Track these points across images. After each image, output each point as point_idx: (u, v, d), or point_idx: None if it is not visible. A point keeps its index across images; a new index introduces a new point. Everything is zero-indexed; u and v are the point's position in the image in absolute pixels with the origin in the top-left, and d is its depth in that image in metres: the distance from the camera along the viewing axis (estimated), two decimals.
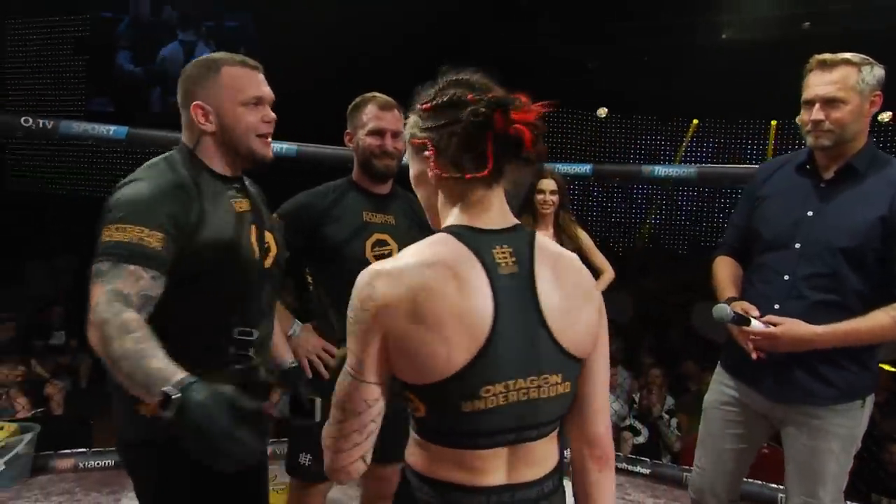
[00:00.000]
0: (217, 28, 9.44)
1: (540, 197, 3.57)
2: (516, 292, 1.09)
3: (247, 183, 1.78)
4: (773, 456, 2.97)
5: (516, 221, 1.17)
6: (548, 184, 3.57)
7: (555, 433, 1.18)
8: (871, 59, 1.94)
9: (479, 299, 1.05)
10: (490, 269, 1.08)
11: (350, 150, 2.27)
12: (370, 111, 2.15)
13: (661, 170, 4.22)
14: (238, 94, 1.62)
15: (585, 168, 4.24)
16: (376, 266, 1.09)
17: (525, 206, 3.68)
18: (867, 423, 2.06)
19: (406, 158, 1.31)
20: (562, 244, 3.55)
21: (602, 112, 9.93)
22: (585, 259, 3.58)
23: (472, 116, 1.06)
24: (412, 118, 1.19)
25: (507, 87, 1.14)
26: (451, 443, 1.10)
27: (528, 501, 1.13)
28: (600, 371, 1.21)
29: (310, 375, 2.13)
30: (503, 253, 1.10)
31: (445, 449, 1.11)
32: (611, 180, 4.88)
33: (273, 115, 1.70)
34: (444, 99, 1.11)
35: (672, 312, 7.85)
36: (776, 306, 1.98)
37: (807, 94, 1.97)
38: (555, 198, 3.55)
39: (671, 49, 8.47)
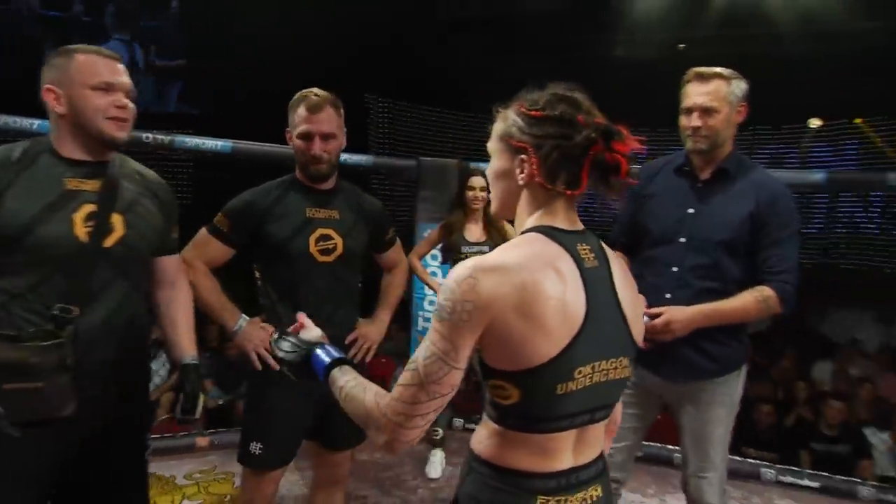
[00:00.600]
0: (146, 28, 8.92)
1: (471, 194, 3.55)
2: (600, 283, 1.12)
3: (129, 170, 1.74)
4: (667, 420, 3.02)
5: (582, 226, 1.18)
6: (478, 181, 3.55)
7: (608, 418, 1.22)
8: (738, 74, 2.06)
9: (575, 290, 1.07)
10: (579, 263, 1.10)
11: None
12: (300, 113, 2.00)
13: None
14: (88, 78, 1.58)
15: None
16: (479, 261, 1.07)
17: (456, 202, 3.68)
18: (742, 388, 2.20)
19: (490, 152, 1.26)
20: (490, 237, 3.59)
21: None
22: None
23: (581, 139, 1.08)
24: (510, 115, 1.18)
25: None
26: (536, 428, 1.10)
27: (588, 481, 1.15)
28: None
29: (258, 368, 2.01)
30: (585, 249, 1.13)
31: (525, 435, 1.11)
32: None
33: (126, 101, 1.64)
34: (555, 113, 1.11)
35: None
36: (667, 295, 2.03)
37: (686, 102, 2.04)
38: (484, 194, 3.54)
39: (573, 62, 8.68)
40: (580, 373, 1.07)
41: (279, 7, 7.55)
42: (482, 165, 4.12)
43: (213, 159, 4.18)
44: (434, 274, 4.17)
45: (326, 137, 1.98)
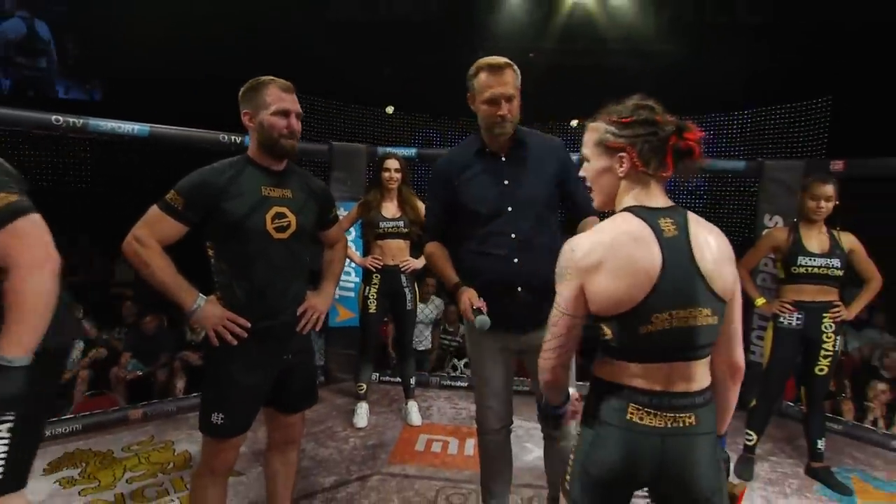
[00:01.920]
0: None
1: (386, 174, 3.30)
2: (676, 249, 1.18)
3: None
4: None
5: (673, 203, 1.24)
6: (392, 163, 3.31)
7: (707, 360, 1.25)
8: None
9: (652, 253, 1.16)
10: (658, 233, 1.18)
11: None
12: (273, 93, 1.76)
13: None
14: None
15: (412, 151, 3.96)
16: (576, 236, 1.23)
17: (373, 182, 3.41)
18: None
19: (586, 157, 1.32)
20: (404, 213, 3.30)
21: (389, 109, 9.75)
22: (421, 223, 3.34)
23: (663, 133, 1.20)
24: (600, 126, 1.27)
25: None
26: (629, 357, 1.21)
27: (682, 408, 1.19)
28: (736, 312, 1.28)
29: (216, 345, 1.71)
30: (666, 222, 1.20)
31: (624, 363, 1.22)
32: (432, 161, 4.78)
33: None
34: (641, 118, 1.22)
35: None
36: (515, 260, 1.92)
37: (490, 93, 1.86)
38: (398, 175, 3.31)
39: (443, 64, 8.55)
40: (657, 318, 1.16)
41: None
42: (395, 150, 3.88)
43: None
44: (350, 246, 3.85)
45: (298, 116, 1.81)
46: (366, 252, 3.48)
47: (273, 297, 1.77)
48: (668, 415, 1.18)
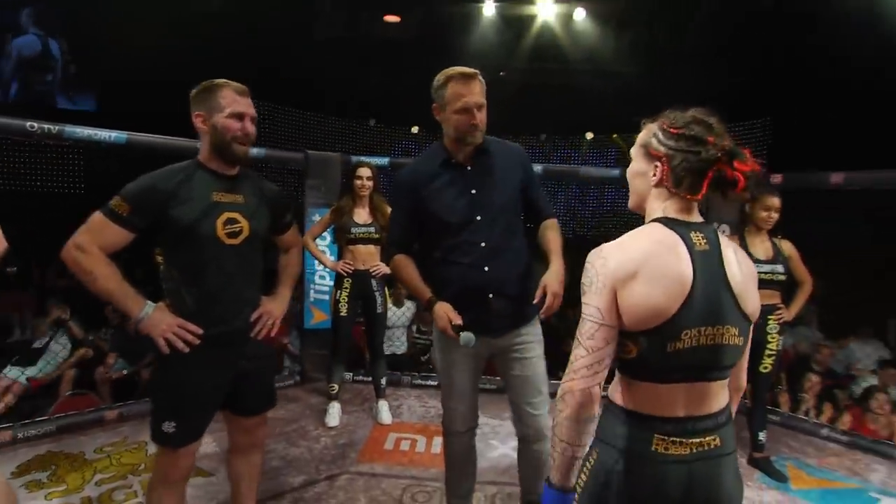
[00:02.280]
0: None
1: (358, 182, 3.24)
2: (708, 264, 1.08)
3: None
4: None
5: (703, 219, 1.14)
6: (364, 171, 3.25)
7: (727, 381, 1.15)
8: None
9: (683, 266, 1.06)
10: (689, 246, 1.08)
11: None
12: (228, 95, 1.65)
13: None
14: None
15: (384, 160, 3.92)
16: (608, 244, 1.11)
17: (345, 189, 3.35)
18: None
19: (632, 155, 1.21)
20: (375, 219, 3.23)
21: (372, 122, 9.72)
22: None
23: (707, 156, 1.07)
24: (653, 128, 1.15)
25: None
26: (653, 377, 1.08)
27: (706, 431, 1.09)
28: (750, 335, 1.16)
29: (166, 352, 1.59)
30: (698, 236, 1.10)
31: (644, 384, 1.09)
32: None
33: None
34: (691, 132, 1.09)
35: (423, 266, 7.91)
36: (486, 268, 1.83)
37: (463, 102, 1.76)
38: (370, 182, 3.24)
39: (420, 81, 8.55)
40: (686, 334, 1.05)
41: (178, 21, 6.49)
42: (368, 159, 3.84)
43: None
44: (325, 251, 3.78)
45: (253, 119, 1.70)
46: (340, 257, 3.41)
47: (225, 303, 1.67)
48: (694, 440, 1.07)
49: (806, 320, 5.18)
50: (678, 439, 1.06)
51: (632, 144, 1.24)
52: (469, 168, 1.87)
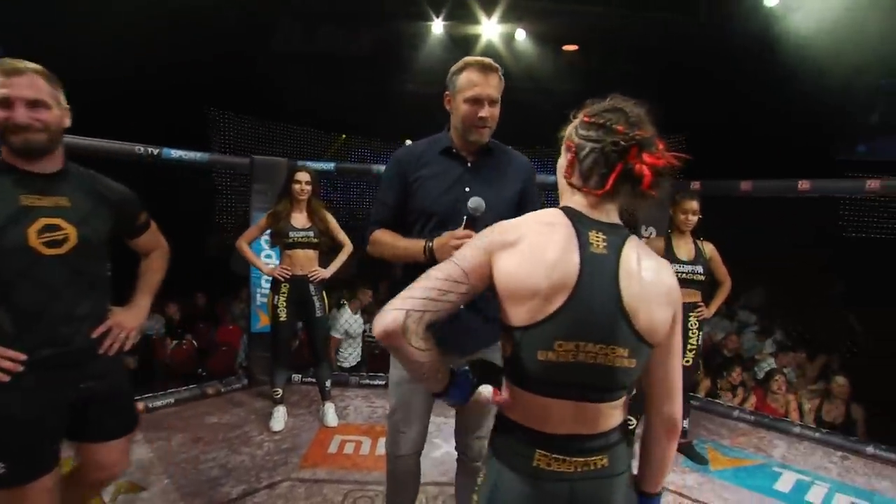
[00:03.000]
0: None
1: (297, 187, 2.89)
2: (600, 270, 0.87)
3: None
4: None
5: (619, 222, 0.93)
6: (303, 175, 2.90)
7: (621, 402, 0.93)
8: None
9: (568, 265, 0.86)
10: (583, 245, 0.88)
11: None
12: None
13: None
14: None
15: (330, 165, 3.61)
16: (504, 221, 0.93)
17: (283, 193, 2.97)
18: None
19: None
20: (314, 224, 2.83)
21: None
22: (332, 236, 2.98)
23: (612, 145, 0.87)
24: (576, 120, 0.95)
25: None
26: (524, 386, 0.91)
27: (593, 451, 0.91)
28: (672, 359, 0.95)
29: None
30: (598, 237, 0.89)
31: (527, 394, 0.91)
32: (349, 174, 4.44)
33: None
34: (602, 120, 0.89)
35: (387, 268, 7.67)
36: None
37: (475, 92, 1.45)
38: (309, 187, 2.91)
39: (376, 93, 8.30)
40: (560, 346, 0.86)
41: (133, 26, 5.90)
42: (313, 164, 3.55)
43: None
44: (269, 257, 3.44)
45: (35, 104, 1.27)
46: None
47: (52, 321, 1.30)
48: (579, 459, 0.90)
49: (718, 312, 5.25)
50: (561, 457, 0.90)
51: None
52: (469, 164, 1.56)
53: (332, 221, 3.00)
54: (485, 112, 1.46)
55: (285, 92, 7.76)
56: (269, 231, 2.98)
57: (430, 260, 1.39)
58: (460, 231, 1.36)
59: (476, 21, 7.17)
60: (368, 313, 4.68)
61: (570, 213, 0.92)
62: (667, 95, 6.79)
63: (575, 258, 0.86)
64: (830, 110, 5.95)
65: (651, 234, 3.59)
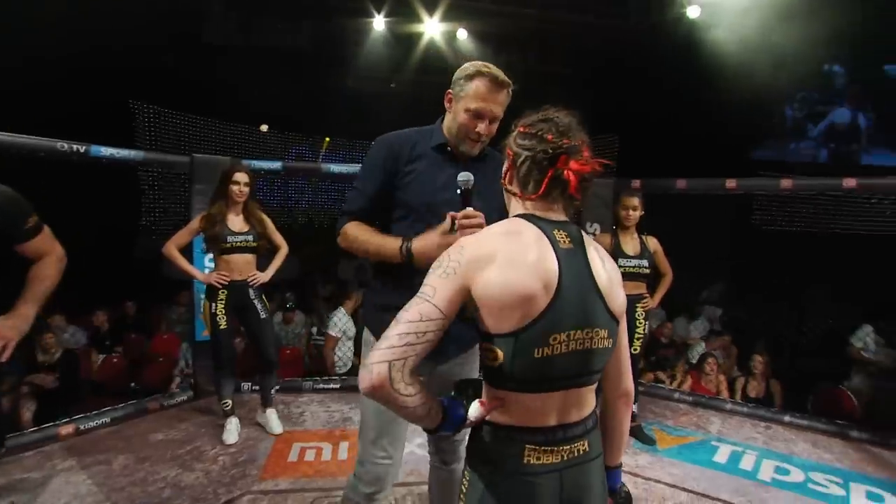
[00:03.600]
0: None
1: (235, 188, 2.74)
2: (574, 262, 0.95)
3: None
4: None
5: (568, 219, 1.00)
6: (242, 176, 2.76)
7: (595, 385, 1.01)
8: None
9: (548, 262, 0.92)
10: (553, 242, 0.94)
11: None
12: None
13: (335, 167, 3.67)
14: None
15: (277, 164, 3.49)
16: (465, 238, 0.97)
17: (218, 194, 2.80)
18: None
19: None
20: (251, 226, 2.74)
21: (263, 128, 8.93)
22: (269, 238, 2.86)
23: (543, 153, 0.95)
24: (515, 131, 1.02)
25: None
26: (522, 387, 0.93)
27: (575, 438, 0.96)
28: (624, 337, 1.05)
29: None
30: (561, 234, 0.96)
31: (515, 394, 0.93)
32: (296, 174, 4.27)
33: None
34: (534, 130, 0.98)
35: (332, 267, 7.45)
36: None
37: (480, 106, 1.39)
38: (248, 189, 2.77)
39: (314, 89, 8.07)
40: (555, 339, 0.90)
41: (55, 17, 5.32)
42: (258, 164, 3.42)
43: None
44: (211, 261, 3.26)
45: None
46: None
47: None
48: (565, 447, 0.95)
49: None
50: (549, 448, 0.94)
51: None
52: (463, 164, 1.47)
53: (269, 223, 2.89)
54: (483, 129, 1.41)
55: (218, 86, 7.36)
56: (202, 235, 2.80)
57: (407, 261, 1.33)
58: (464, 213, 1.28)
59: (418, 19, 7.17)
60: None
61: (528, 217, 0.97)
62: (600, 95, 7.20)
63: (551, 255, 0.92)
64: (744, 114, 6.57)
65: (596, 230, 3.78)
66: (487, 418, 0.97)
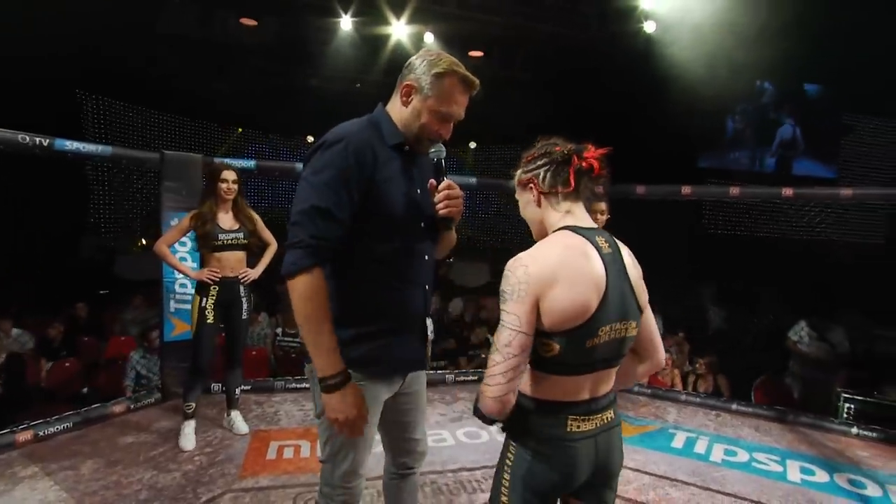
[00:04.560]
0: None
1: (224, 185, 2.76)
2: (614, 265, 1.10)
3: None
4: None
5: (595, 225, 1.15)
6: (230, 174, 2.78)
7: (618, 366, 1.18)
8: None
9: (598, 268, 1.07)
10: (598, 248, 1.09)
11: None
12: None
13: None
14: None
15: (251, 163, 3.47)
16: (527, 252, 1.08)
17: (208, 193, 2.82)
18: None
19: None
20: (241, 223, 2.80)
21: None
22: (258, 235, 2.89)
23: (559, 156, 1.14)
24: (518, 170, 1.20)
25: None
26: (571, 371, 1.09)
27: (604, 408, 1.14)
28: (651, 318, 1.20)
29: None
30: (601, 240, 1.12)
31: (561, 377, 1.09)
32: (272, 173, 4.20)
33: None
34: (541, 151, 1.16)
35: None
36: (427, 287, 1.36)
37: (450, 109, 1.27)
38: (236, 186, 2.79)
39: (277, 86, 7.98)
40: (602, 331, 1.06)
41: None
42: (232, 161, 3.39)
43: None
44: (184, 259, 3.22)
45: None
46: (202, 263, 2.86)
47: None
48: (597, 417, 1.13)
49: None
50: (586, 417, 1.11)
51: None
52: (415, 164, 1.35)
53: (259, 220, 2.92)
54: (447, 132, 1.30)
55: (173, 79, 7.12)
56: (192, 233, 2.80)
57: (338, 385, 1.18)
58: (447, 183, 1.30)
59: (386, 21, 7.22)
60: None
61: (572, 229, 1.11)
62: (560, 100, 7.51)
63: (599, 263, 1.07)
64: (690, 124, 7.04)
65: None
66: (534, 395, 1.12)
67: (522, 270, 1.04)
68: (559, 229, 1.13)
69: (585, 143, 1.15)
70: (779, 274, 6.42)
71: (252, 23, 7.16)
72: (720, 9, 5.57)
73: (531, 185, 1.16)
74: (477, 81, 1.30)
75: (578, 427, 1.10)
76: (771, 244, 7.25)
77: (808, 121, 8.05)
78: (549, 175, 1.14)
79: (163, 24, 6.81)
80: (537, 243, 1.12)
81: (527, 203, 1.20)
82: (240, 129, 8.99)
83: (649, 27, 6.22)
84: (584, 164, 1.12)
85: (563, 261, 1.04)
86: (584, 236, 1.10)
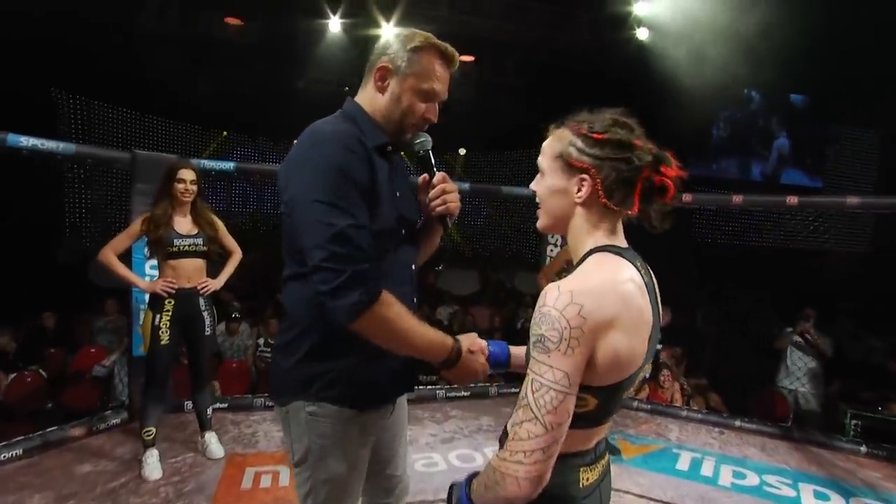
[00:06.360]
0: None
1: (181, 186, 2.45)
2: (652, 296, 0.85)
3: None
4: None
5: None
6: (188, 174, 2.47)
7: None
8: None
9: (647, 305, 0.82)
10: (642, 278, 0.83)
11: None
12: None
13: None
14: None
15: (230, 165, 3.21)
16: (576, 285, 0.77)
17: (162, 194, 2.50)
18: None
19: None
20: (200, 228, 2.46)
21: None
22: (220, 242, 2.59)
23: (638, 161, 0.82)
24: (566, 135, 0.86)
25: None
26: (593, 424, 0.87)
27: (604, 452, 0.95)
28: None
29: None
30: (639, 265, 0.86)
31: (582, 430, 0.86)
32: (253, 175, 3.97)
33: None
34: (616, 137, 0.83)
35: (277, 274, 7.10)
36: (414, 300, 1.22)
37: (434, 86, 1.12)
38: (194, 187, 2.49)
39: (261, 86, 7.75)
40: (639, 378, 0.86)
41: None
42: (209, 163, 3.15)
43: None
44: (154, 268, 2.92)
45: None
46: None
47: None
48: (601, 463, 0.94)
49: None
50: (592, 466, 0.93)
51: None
52: (394, 160, 1.20)
53: (221, 226, 2.61)
54: (433, 114, 1.14)
55: (156, 79, 6.82)
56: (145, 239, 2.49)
57: (453, 363, 1.08)
58: (441, 176, 1.17)
59: (375, 24, 7.03)
60: None
61: (617, 252, 0.84)
62: (551, 106, 7.41)
63: (646, 297, 0.82)
64: (686, 131, 6.95)
65: (558, 242, 3.79)
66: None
67: (575, 311, 0.75)
68: (601, 249, 0.85)
69: (666, 150, 0.85)
70: (768, 282, 6.34)
71: (238, 21, 6.90)
72: (711, 16, 5.49)
73: (587, 175, 0.84)
74: (457, 54, 1.15)
75: (587, 480, 0.91)
76: (757, 251, 7.19)
77: (793, 130, 8.05)
78: (613, 176, 0.83)
79: (148, 19, 6.53)
80: (583, 269, 0.82)
81: (561, 191, 0.87)
82: (224, 133, 8.70)
83: (642, 34, 6.11)
84: (656, 178, 0.82)
85: (622, 299, 0.78)
86: (630, 262, 0.84)
